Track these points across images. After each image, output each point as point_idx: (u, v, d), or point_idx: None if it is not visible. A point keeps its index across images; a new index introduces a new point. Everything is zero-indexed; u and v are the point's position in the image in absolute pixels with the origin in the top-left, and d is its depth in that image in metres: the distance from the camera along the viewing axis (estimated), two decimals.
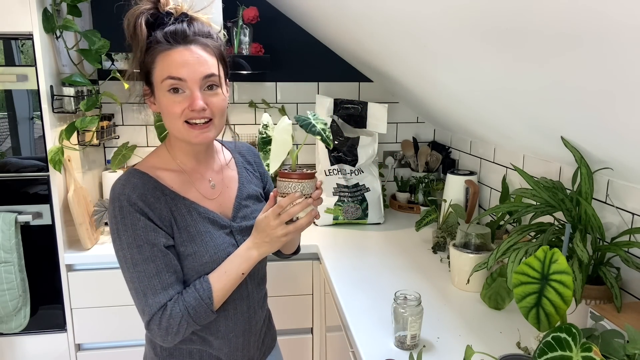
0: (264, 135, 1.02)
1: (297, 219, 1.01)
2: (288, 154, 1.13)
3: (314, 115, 1.06)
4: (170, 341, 0.99)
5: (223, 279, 1.00)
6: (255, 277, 1.14)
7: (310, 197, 1.01)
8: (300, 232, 1.03)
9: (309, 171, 1.03)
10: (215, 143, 1.17)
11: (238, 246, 1.06)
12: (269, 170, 0.99)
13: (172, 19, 0.97)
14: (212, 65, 0.98)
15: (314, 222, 1.08)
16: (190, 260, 1.01)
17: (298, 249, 1.30)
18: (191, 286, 0.99)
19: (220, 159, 1.16)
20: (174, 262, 0.99)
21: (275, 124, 0.98)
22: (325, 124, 1.05)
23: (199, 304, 0.97)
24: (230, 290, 1.02)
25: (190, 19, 0.99)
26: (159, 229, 0.97)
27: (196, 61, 0.95)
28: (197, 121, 0.97)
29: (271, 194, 1.05)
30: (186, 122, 0.97)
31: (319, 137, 1.02)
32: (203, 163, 1.09)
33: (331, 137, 1.03)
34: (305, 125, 1.03)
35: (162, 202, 0.99)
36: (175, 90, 0.96)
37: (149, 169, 1.03)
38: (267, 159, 0.96)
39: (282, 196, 1.01)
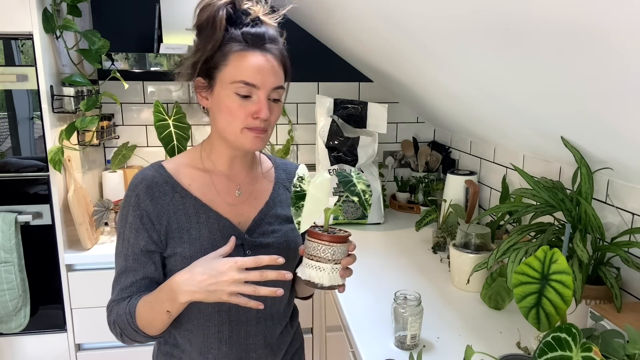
0: (299, 189, 0.90)
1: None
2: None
3: (358, 173, 0.96)
4: (117, 338, 0.99)
5: (147, 308, 0.92)
6: (267, 310, 1.03)
7: (338, 263, 0.90)
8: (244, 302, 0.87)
9: (342, 233, 0.93)
10: (257, 153, 1.11)
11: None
12: (299, 229, 0.87)
13: (249, 19, 0.94)
14: (281, 77, 0.96)
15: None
16: (185, 264, 0.93)
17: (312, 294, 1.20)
18: (128, 297, 0.96)
19: (259, 170, 1.10)
20: (143, 268, 0.96)
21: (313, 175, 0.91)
22: (368, 186, 0.93)
23: (123, 316, 0.94)
24: (159, 320, 0.92)
25: (265, 24, 0.97)
26: (144, 231, 0.95)
27: (270, 70, 0.93)
28: (256, 128, 0.95)
29: (301, 247, 0.94)
30: (245, 127, 0.94)
31: (355, 199, 0.91)
32: (236, 168, 1.04)
33: (370, 202, 0.92)
34: (345, 182, 0.93)
35: (168, 197, 0.97)
36: (244, 94, 0.92)
37: (172, 163, 1.02)
38: (298, 216, 0.88)
39: (307, 257, 0.91)
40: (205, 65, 0.94)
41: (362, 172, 2.11)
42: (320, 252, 0.90)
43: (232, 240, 0.93)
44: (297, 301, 1.20)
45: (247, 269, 0.87)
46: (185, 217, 0.97)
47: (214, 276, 0.85)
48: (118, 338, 0.99)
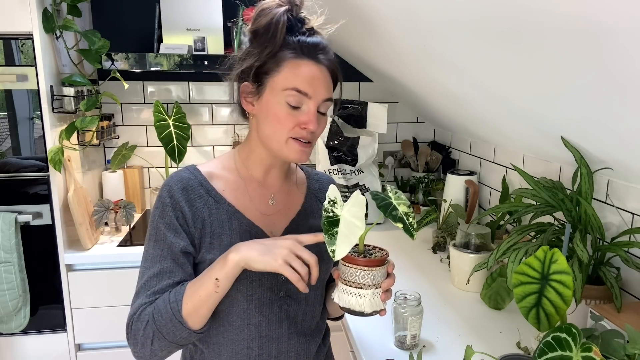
0: (331, 214, 0.82)
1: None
2: None
3: (396, 193, 0.87)
4: (140, 353, 0.87)
5: (196, 285, 0.86)
6: (297, 323, 0.98)
7: (379, 287, 0.85)
8: (302, 279, 0.82)
9: (379, 253, 0.87)
10: (293, 165, 1.10)
11: (276, 274, 0.93)
12: (333, 258, 0.79)
13: (305, 28, 0.93)
14: (331, 89, 0.95)
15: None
16: None
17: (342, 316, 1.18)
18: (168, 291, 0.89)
19: (293, 180, 1.07)
20: (182, 270, 0.90)
21: (345, 199, 0.84)
22: (409, 207, 0.84)
23: (165, 307, 0.85)
24: (205, 300, 0.85)
25: (318, 34, 0.95)
26: (183, 231, 0.91)
27: (323, 81, 0.91)
28: (302, 139, 0.91)
29: (335, 271, 0.89)
30: (291, 137, 0.91)
31: (400, 225, 0.80)
32: (272, 177, 1.01)
33: (415, 226, 0.82)
34: (385, 206, 0.83)
35: (203, 201, 0.93)
36: (294, 104, 0.89)
37: (207, 167, 0.98)
38: (333, 244, 0.78)
39: (344, 282, 0.85)
40: (256, 70, 0.91)
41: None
42: (359, 278, 0.83)
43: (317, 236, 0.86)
44: None
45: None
46: (218, 223, 0.93)
47: (273, 243, 0.84)
48: (146, 347, 0.87)
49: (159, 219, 0.91)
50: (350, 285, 0.84)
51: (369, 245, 0.90)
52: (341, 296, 0.86)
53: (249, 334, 0.93)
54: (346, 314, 1.10)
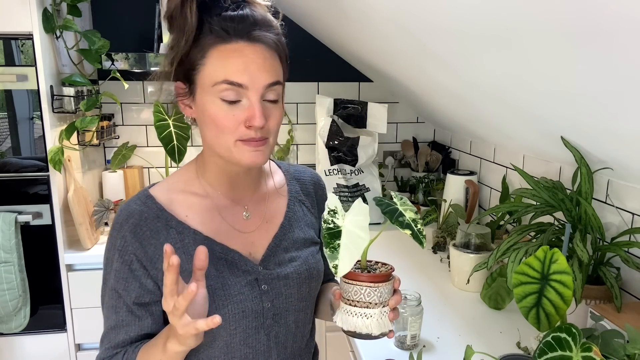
0: (332, 226, 0.74)
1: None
2: None
3: (401, 198, 0.79)
4: None
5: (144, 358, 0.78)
6: (287, 348, 0.89)
7: (386, 305, 0.77)
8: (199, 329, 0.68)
9: (384, 269, 0.79)
10: (267, 164, 0.94)
11: (262, 300, 0.83)
12: (336, 274, 0.70)
13: (229, 1, 0.75)
14: (277, 70, 0.77)
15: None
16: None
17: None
18: (121, 352, 0.80)
19: (269, 184, 0.92)
20: (139, 322, 0.80)
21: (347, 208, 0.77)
22: (416, 212, 0.78)
23: None
24: None
25: (250, 4, 0.77)
26: (135, 279, 0.78)
27: (261, 64, 0.74)
28: (252, 139, 0.76)
29: (336, 291, 0.79)
30: (237, 139, 0.76)
31: (408, 232, 0.74)
32: (240, 188, 0.87)
33: (424, 233, 0.75)
34: (390, 212, 0.76)
35: (162, 236, 0.80)
36: (230, 98, 0.74)
37: (163, 191, 0.84)
38: (335, 259, 0.71)
39: (348, 303, 0.76)
40: (182, 66, 0.76)
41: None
42: (365, 296, 0.75)
43: (200, 251, 0.69)
44: None
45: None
46: (186, 257, 0.80)
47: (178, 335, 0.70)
48: None
49: (108, 266, 0.81)
50: (355, 305, 0.76)
51: (371, 261, 0.83)
52: (345, 318, 0.77)
53: (241, 351, 0.83)
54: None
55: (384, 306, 0.77)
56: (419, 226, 0.75)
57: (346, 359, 1.37)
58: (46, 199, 1.80)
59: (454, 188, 1.95)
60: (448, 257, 1.63)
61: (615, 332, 0.87)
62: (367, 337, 0.76)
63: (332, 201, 0.76)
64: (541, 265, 0.81)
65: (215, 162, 0.83)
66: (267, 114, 0.77)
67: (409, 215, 0.76)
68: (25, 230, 1.81)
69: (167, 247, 0.66)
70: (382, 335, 0.77)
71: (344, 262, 0.71)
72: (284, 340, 0.87)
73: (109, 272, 0.81)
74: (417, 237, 0.74)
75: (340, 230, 0.74)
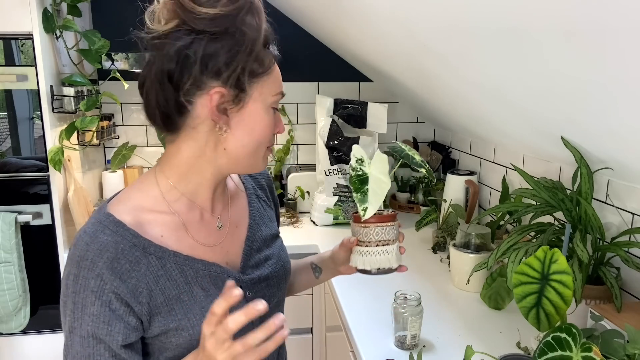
0: (360, 173, 0.80)
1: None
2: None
3: (406, 146, 0.97)
4: None
5: None
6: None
7: (397, 240, 0.88)
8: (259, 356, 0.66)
9: (386, 211, 0.89)
10: None
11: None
12: (364, 216, 0.77)
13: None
14: None
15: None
16: (176, 337, 0.75)
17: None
18: None
19: (230, 185, 0.89)
20: None
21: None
22: (420, 156, 0.96)
23: None
24: None
25: None
26: (119, 319, 0.71)
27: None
28: (272, 143, 0.80)
29: (344, 240, 0.87)
30: (268, 146, 0.79)
31: (423, 170, 0.90)
32: (216, 197, 0.83)
33: (431, 171, 0.95)
34: (405, 157, 0.92)
35: (143, 265, 0.72)
36: (276, 106, 0.76)
37: (128, 212, 0.75)
38: (364, 202, 0.78)
39: (369, 245, 0.86)
40: (234, 74, 0.72)
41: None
42: (386, 234, 0.86)
43: (229, 285, 0.66)
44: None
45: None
46: (171, 283, 0.74)
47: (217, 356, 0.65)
48: None
49: (77, 311, 0.69)
50: (376, 245, 0.86)
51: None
52: (366, 260, 0.86)
53: None
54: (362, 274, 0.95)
55: (396, 241, 0.89)
56: (427, 166, 0.92)
57: (346, 359, 1.37)
58: (46, 199, 1.80)
59: (454, 188, 1.95)
60: (448, 257, 1.63)
61: (615, 332, 0.87)
62: (389, 271, 0.87)
63: (358, 151, 0.85)
64: (541, 265, 0.81)
65: (209, 171, 0.78)
66: None
67: (417, 157, 0.93)
68: (25, 230, 1.81)
69: (229, 283, 0.65)
70: (399, 267, 0.89)
71: (372, 204, 0.80)
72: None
73: (78, 318, 0.70)
74: (430, 172, 0.93)
75: (368, 177, 0.83)
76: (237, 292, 0.64)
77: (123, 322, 0.71)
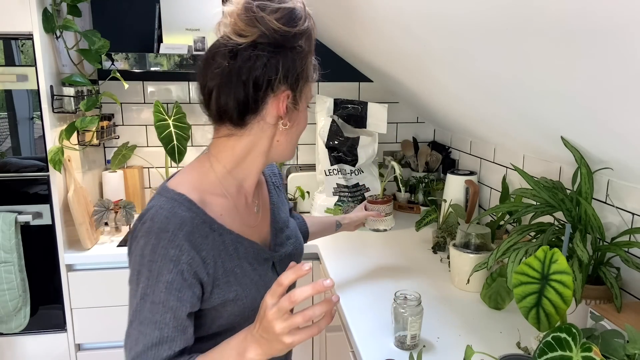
0: None
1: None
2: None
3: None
4: None
5: None
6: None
7: (389, 214, 1.57)
8: (308, 335, 0.73)
9: (389, 197, 1.68)
10: None
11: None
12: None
13: None
14: None
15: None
16: (232, 306, 0.85)
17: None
18: None
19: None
20: (184, 336, 0.80)
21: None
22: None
23: None
24: None
25: None
26: (189, 288, 0.79)
27: None
28: None
29: (378, 214, 1.52)
30: None
31: None
32: (257, 185, 0.97)
33: None
34: None
35: (210, 240, 0.82)
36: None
37: (194, 192, 0.84)
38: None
39: (387, 214, 1.76)
40: (297, 82, 0.86)
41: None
42: (388, 209, 1.78)
43: (299, 269, 0.72)
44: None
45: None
46: (228, 257, 0.85)
47: (267, 334, 0.72)
48: None
49: (158, 277, 0.77)
50: (387, 215, 1.75)
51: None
52: (384, 223, 1.77)
53: None
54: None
55: (391, 214, 1.81)
56: None
57: (346, 359, 1.36)
58: (46, 199, 1.80)
59: (454, 188, 1.95)
60: (448, 257, 1.63)
61: (615, 332, 0.87)
62: (384, 230, 1.80)
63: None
64: (541, 265, 0.81)
65: (261, 161, 0.90)
66: None
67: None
68: (25, 230, 1.81)
69: (292, 264, 0.73)
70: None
71: None
72: None
73: (152, 285, 0.77)
74: None
75: None
76: (307, 266, 0.70)
77: (191, 291, 0.79)
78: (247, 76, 0.82)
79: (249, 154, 0.88)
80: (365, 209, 1.62)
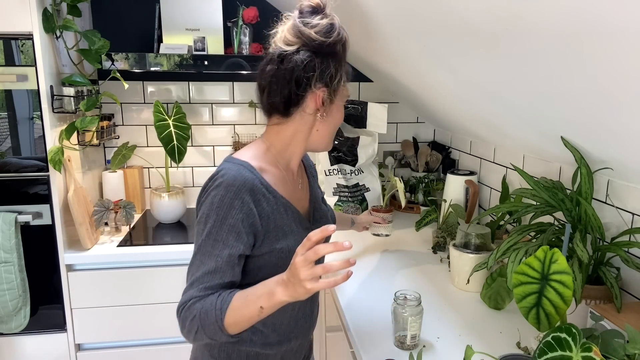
0: None
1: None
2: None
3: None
4: (186, 337, 0.98)
5: (242, 302, 0.93)
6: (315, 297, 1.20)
7: (390, 222, 1.85)
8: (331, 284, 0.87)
9: (389, 207, 1.91)
10: None
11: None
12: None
13: None
14: None
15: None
16: (276, 257, 1.02)
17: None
18: (217, 293, 0.96)
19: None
20: (233, 272, 0.98)
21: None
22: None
23: (211, 311, 0.93)
24: (247, 319, 0.93)
25: None
26: (245, 234, 0.97)
27: None
28: None
29: (370, 219, 1.72)
30: None
31: None
32: (299, 165, 1.18)
33: None
34: None
35: (266, 199, 1.02)
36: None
37: (255, 162, 1.04)
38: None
39: (388, 222, 1.90)
40: (333, 84, 1.05)
41: (362, 171, 2.11)
42: (389, 218, 1.92)
43: (326, 228, 0.88)
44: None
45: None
46: (279, 216, 1.04)
47: (295, 279, 0.87)
48: (191, 334, 0.96)
49: (223, 220, 0.96)
50: (386, 223, 1.89)
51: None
52: (379, 228, 1.93)
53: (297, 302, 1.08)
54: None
55: (391, 222, 1.95)
56: None
57: (346, 359, 1.37)
58: (46, 199, 1.80)
59: (454, 188, 1.95)
60: (448, 257, 1.63)
61: (615, 332, 0.87)
62: (387, 235, 1.96)
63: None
64: (541, 265, 0.81)
65: (301, 146, 1.10)
66: None
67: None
68: (25, 230, 1.81)
69: (332, 228, 0.87)
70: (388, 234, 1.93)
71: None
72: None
73: (217, 226, 0.96)
74: None
75: None
76: (332, 227, 0.85)
77: (246, 236, 0.98)
78: (290, 76, 1.01)
79: (293, 139, 1.08)
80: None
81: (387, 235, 1.93)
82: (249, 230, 0.98)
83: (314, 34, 1.02)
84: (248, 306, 0.92)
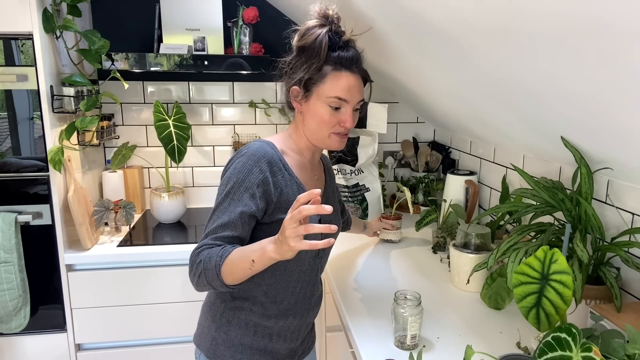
0: None
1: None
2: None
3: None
4: (191, 280, 1.07)
5: (239, 255, 1.02)
6: (319, 271, 1.27)
7: (399, 229, 1.95)
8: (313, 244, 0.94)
9: (394, 214, 1.92)
10: None
11: (321, 236, 1.13)
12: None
13: (342, 42, 1.13)
14: (363, 92, 1.16)
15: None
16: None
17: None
18: (222, 246, 1.06)
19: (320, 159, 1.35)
20: (242, 228, 1.08)
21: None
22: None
23: (213, 258, 1.02)
24: (240, 271, 1.01)
25: (354, 46, 1.15)
26: (258, 197, 1.08)
27: (358, 88, 1.14)
28: (341, 133, 1.17)
29: (381, 225, 1.88)
30: (332, 132, 1.16)
31: None
32: (314, 158, 1.25)
33: None
34: None
35: (282, 174, 1.13)
36: (335, 106, 1.13)
37: (278, 144, 1.17)
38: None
39: (391, 229, 1.92)
40: (306, 80, 1.12)
41: (362, 171, 2.11)
42: (397, 224, 1.92)
43: (312, 192, 0.96)
44: None
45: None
46: (291, 192, 1.14)
47: (282, 238, 0.94)
48: (194, 278, 1.06)
49: (241, 182, 1.08)
50: (396, 229, 1.92)
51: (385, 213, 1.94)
52: (388, 234, 1.93)
53: (297, 277, 1.19)
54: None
55: (400, 229, 1.95)
56: None
57: (346, 358, 1.37)
58: (46, 199, 1.80)
59: (454, 188, 1.95)
60: (448, 257, 1.63)
61: (615, 332, 0.87)
62: (396, 241, 1.95)
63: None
64: (541, 265, 0.81)
65: (304, 140, 1.20)
66: (353, 120, 1.15)
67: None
68: (25, 230, 1.81)
69: (317, 191, 0.93)
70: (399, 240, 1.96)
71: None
72: (321, 267, 1.27)
73: (236, 187, 1.08)
74: None
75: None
76: (317, 191, 0.92)
77: (258, 200, 1.08)
78: (282, 77, 1.16)
79: (296, 131, 1.21)
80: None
81: (396, 241, 1.95)
82: (262, 195, 1.09)
83: (294, 40, 1.13)
84: (243, 258, 1.00)
